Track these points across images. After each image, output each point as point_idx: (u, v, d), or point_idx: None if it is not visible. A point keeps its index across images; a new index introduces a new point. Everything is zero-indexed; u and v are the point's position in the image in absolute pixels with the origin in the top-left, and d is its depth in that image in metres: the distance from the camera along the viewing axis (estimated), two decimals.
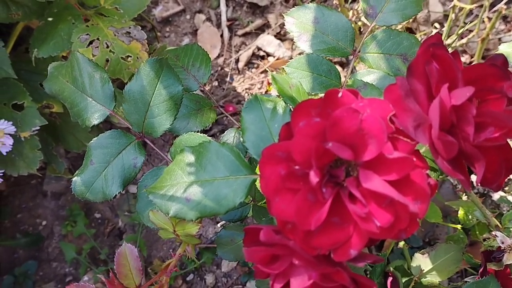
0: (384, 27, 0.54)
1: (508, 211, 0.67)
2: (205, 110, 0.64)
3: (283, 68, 0.51)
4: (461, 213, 0.78)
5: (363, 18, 1.00)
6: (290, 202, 0.34)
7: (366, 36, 0.53)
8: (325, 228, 0.34)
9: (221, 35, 1.26)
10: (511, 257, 0.56)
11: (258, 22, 1.25)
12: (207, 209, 0.42)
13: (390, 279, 0.70)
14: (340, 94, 0.34)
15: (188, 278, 1.15)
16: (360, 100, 0.34)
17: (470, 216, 0.80)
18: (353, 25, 0.55)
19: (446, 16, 1.21)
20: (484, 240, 0.61)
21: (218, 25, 1.26)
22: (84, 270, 1.15)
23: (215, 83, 1.23)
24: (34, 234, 1.17)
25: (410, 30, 1.15)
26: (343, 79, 0.53)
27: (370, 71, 0.52)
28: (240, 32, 1.25)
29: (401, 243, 0.84)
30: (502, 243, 0.57)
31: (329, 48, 0.51)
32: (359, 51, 0.54)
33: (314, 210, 0.34)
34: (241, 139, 0.44)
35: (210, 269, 1.15)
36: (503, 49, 0.55)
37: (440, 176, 1.02)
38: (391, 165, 0.33)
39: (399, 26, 0.96)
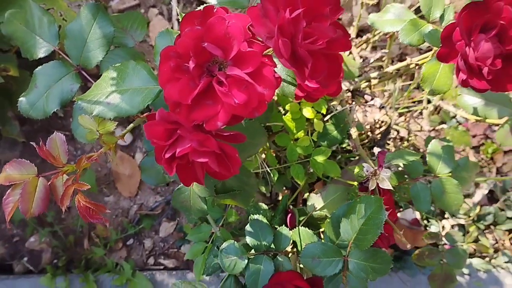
0: None
1: None
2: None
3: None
4: (356, 170, 0.92)
5: None
6: (177, 87, 0.47)
7: None
8: (201, 106, 0.47)
9: (171, 28, 1.39)
10: (374, 183, 0.70)
11: None
12: (123, 110, 0.55)
13: (289, 215, 0.83)
14: (215, 10, 0.47)
15: (128, 243, 1.25)
16: (229, 14, 0.48)
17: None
18: None
19: None
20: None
21: (169, 19, 1.40)
22: (31, 231, 1.23)
23: None
24: None
25: None
26: None
27: None
28: None
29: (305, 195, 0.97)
30: (367, 171, 0.71)
31: (230, 1, 0.65)
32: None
33: (192, 91, 0.47)
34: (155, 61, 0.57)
35: (149, 234, 1.25)
36: (371, 17, 0.70)
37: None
38: (248, 61, 0.47)
39: None
